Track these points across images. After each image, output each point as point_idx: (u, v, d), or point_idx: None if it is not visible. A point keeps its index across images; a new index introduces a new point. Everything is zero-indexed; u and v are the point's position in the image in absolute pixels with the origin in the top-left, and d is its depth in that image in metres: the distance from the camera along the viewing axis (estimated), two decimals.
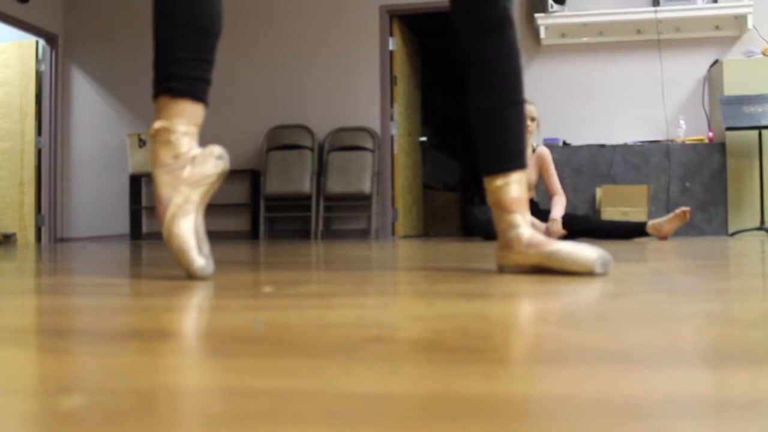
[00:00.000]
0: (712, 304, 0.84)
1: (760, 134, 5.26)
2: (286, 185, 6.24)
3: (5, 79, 7.05)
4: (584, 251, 1.30)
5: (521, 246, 1.39)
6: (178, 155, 1.33)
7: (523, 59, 6.22)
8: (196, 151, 1.35)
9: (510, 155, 1.45)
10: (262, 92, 6.72)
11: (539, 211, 4.44)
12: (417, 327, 0.68)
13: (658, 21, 5.88)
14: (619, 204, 5.28)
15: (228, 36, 6.75)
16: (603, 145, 5.68)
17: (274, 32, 6.73)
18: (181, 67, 1.36)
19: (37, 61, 7.03)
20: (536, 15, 5.98)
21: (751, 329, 0.64)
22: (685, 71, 6.04)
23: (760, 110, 5.11)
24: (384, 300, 0.93)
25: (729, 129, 5.14)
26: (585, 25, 6.02)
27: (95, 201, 7.10)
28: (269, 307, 0.86)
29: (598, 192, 5.54)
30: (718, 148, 5.49)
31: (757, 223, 5.36)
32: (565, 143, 5.94)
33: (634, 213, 5.23)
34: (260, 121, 6.69)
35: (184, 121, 1.35)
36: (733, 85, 5.50)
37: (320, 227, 6.25)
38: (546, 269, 1.36)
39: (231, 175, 6.67)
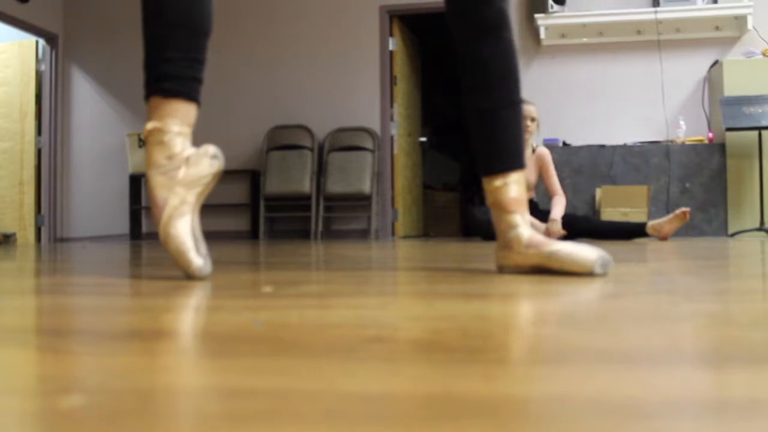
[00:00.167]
0: (711, 304, 0.84)
1: (760, 135, 5.26)
2: (285, 185, 6.24)
3: (5, 79, 7.05)
4: (584, 252, 1.30)
5: (521, 246, 1.39)
6: (172, 156, 1.33)
7: (524, 60, 6.23)
8: (190, 151, 1.34)
9: (508, 155, 1.45)
10: (262, 92, 6.72)
11: (539, 211, 4.44)
12: (417, 327, 0.68)
13: (658, 21, 5.88)
14: (618, 204, 5.29)
15: (228, 36, 6.76)
16: (603, 146, 5.68)
17: (273, 32, 6.73)
18: (172, 66, 1.35)
19: (37, 60, 7.04)
20: (536, 15, 5.98)
21: (750, 330, 0.64)
22: (685, 72, 6.04)
23: (760, 111, 5.11)
24: (384, 300, 0.93)
25: (729, 129, 5.14)
26: (585, 25, 6.02)
27: (95, 201, 7.10)
28: (269, 307, 0.86)
29: (598, 192, 5.54)
30: (718, 148, 5.49)
31: (757, 224, 5.36)
32: (565, 144, 5.95)
33: (634, 213, 5.23)
34: (260, 121, 6.69)
35: (177, 121, 1.35)
36: (733, 86, 5.50)
37: (320, 227, 6.25)
38: (546, 270, 1.35)
39: (231, 175, 6.67)
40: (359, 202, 6.36)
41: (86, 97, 7.16)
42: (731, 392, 0.40)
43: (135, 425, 0.35)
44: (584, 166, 5.67)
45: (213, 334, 0.65)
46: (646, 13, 5.85)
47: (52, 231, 7.04)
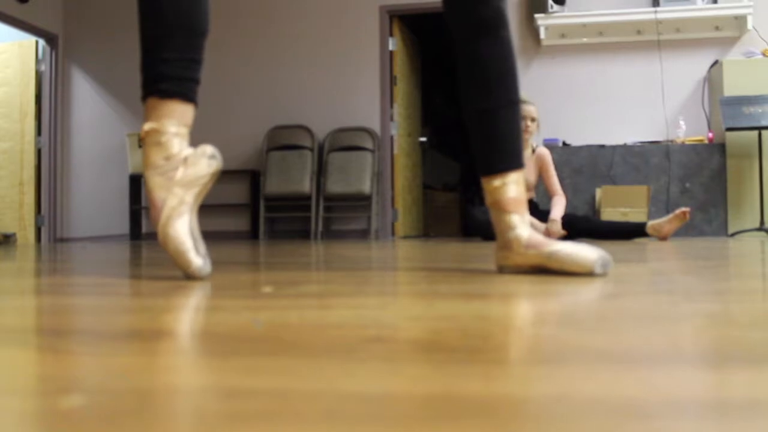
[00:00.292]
0: (711, 304, 0.84)
1: (759, 135, 5.26)
2: (285, 185, 6.24)
3: (5, 79, 7.05)
4: (584, 252, 1.30)
5: (520, 247, 1.39)
6: (170, 156, 1.33)
7: (523, 60, 6.23)
8: (188, 151, 1.34)
9: (507, 155, 1.45)
10: (262, 92, 6.72)
11: (539, 211, 4.44)
12: (417, 327, 0.68)
13: (658, 21, 5.88)
14: (618, 204, 5.29)
15: (228, 36, 6.76)
16: (603, 146, 5.68)
17: (273, 32, 6.73)
18: (169, 67, 1.35)
19: (37, 61, 7.04)
20: (536, 15, 5.98)
21: (750, 330, 0.64)
22: (685, 72, 6.04)
23: (759, 111, 5.12)
24: (384, 300, 0.93)
25: (729, 129, 5.14)
26: (585, 25, 6.02)
27: (95, 201, 7.10)
28: (269, 307, 0.86)
29: (598, 192, 5.54)
30: (718, 148, 5.49)
31: (757, 224, 5.36)
32: (564, 144, 5.95)
33: (634, 213, 5.23)
34: (260, 121, 6.69)
35: (174, 122, 1.35)
36: (732, 86, 5.50)
37: (320, 227, 6.25)
38: (546, 270, 1.35)
39: (231, 176, 6.67)
40: (359, 202, 6.36)
41: (86, 98, 7.16)
42: (731, 392, 0.40)
43: (135, 425, 0.35)
44: (584, 166, 5.67)
45: (213, 334, 0.65)
46: (646, 13, 5.85)
47: (52, 231, 7.04)
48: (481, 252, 2.58)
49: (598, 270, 1.28)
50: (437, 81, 9.50)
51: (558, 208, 4.29)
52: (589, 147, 5.70)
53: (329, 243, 4.48)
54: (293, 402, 0.39)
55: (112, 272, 1.63)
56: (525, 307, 0.85)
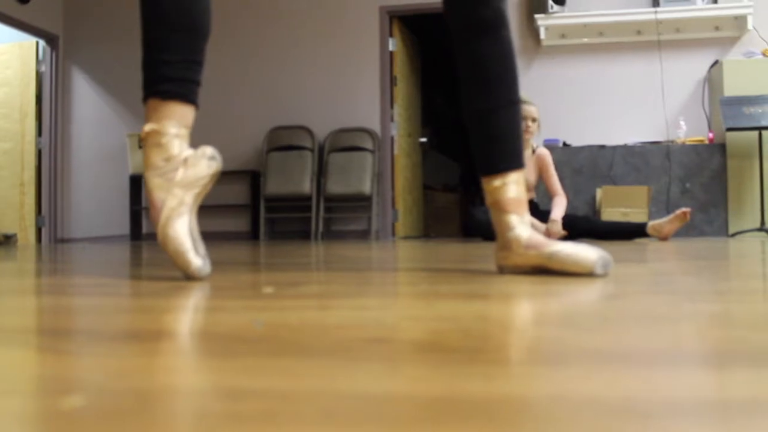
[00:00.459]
0: (712, 305, 0.84)
1: (760, 135, 5.26)
2: (286, 186, 6.25)
3: (6, 80, 7.05)
4: (585, 252, 1.30)
5: (520, 247, 1.39)
6: (170, 158, 1.33)
7: (524, 60, 6.23)
8: (188, 152, 1.34)
9: (507, 155, 1.45)
10: (262, 93, 6.72)
11: (539, 212, 4.44)
12: (417, 328, 0.68)
13: (658, 22, 5.88)
14: (619, 205, 5.29)
15: (228, 37, 6.76)
16: (603, 146, 5.68)
17: (274, 33, 6.73)
18: (170, 68, 1.35)
19: (38, 62, 7.04)
20: (536, 16, 5.98)
21: (751, 330, 0.64)
22: (685, 72, 6.04)
23: (760, 111, 5.11)
24: (384, 301, 0.93)
25: (729, 130, 5.14)
26: (585, 25, 6.02)
27: (95, 201, 7.11)
28: (269, 308, 0.86)
29: (599, 193, 5.54)
30: (719, 148, 5.49)
31: (758, 224, 5.36)
32: (565, 144, 5.95)
33: (635, 214, 5.23)
34: (260, 121, 6.69)
35: (175, 123, 1.35)
36: (733, 86, 5.50)
37: (320, 228, 6.25)
38: (546, 270, 1.35)
39: (231, 176, 6.67)
40: (359, 202, 6.36)
41: (86, 98, 7.16)
42: (732, 392, 0.40)
43: (135, 426, 0.35)
44: (584, 166, 5.67)
45: (213, 335, 0.65)
46: (646, 14, 5.85)
47: (52, 232, 7.04)
48: (482, 252, 2.58)
49: (598, 270, 1.28)
50: (437, 81, 9.50)
51: (558, 209, 4.29)
52: (589, 147, 5.70)
53: (329, 243, 4.48)
54: (293, 402, 0.39)
55: (113, 273, 1.63)
56: (525, 307, 0.85)
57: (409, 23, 7.27)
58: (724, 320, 0.70)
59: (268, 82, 6.72)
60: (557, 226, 4.17)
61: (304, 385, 0.43)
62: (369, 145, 6.32)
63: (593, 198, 5.63)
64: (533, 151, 4.47)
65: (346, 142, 6.37)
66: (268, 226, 6.50)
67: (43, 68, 7.09)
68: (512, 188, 1.43)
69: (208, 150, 1.34)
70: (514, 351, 0.55)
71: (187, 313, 0.84)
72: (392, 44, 6.57)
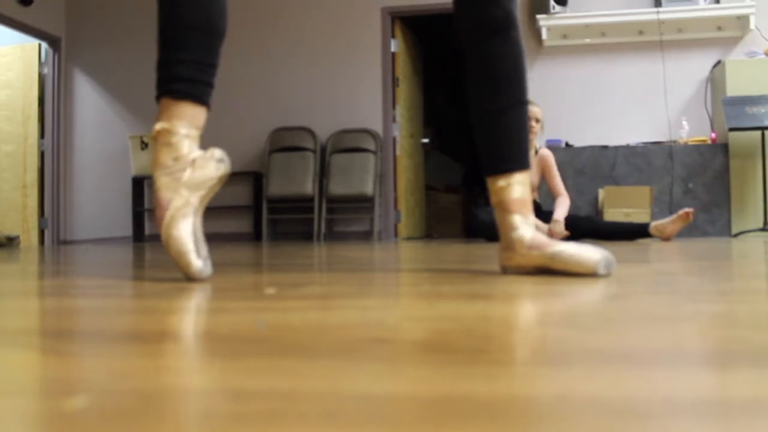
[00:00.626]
0: (715, 305, 0.84)
1: (763, 135, 5.25)
2: (288, 187, 6.25)
3: (8, 82, 7.06)
4: (587, 252, 1.30)
5: (523, 247, 1.39)
6: (179, 157, 1.33)
7: (525, 60, 6.22)
8: (197, 153, 1.34)
9: (513, 156, 1.45)
10: (265, 94, 6.73)
11: (542, 212, 4.44)
12: (420, 328, 0.68)
13: (661, 22, 5.87)
14: (621, 205, 5.28)
15: (230, 38, 6.76)
16: (605, 147, 5.67)
17: (275, 34, 6.73)
18: (184, 68, 1.36)
19: (40, 64, 7.05)
20: (538, 16, 5.98)
21: (754, 330, 0.64)
22: (688, 72, 6.03)
23: (762, 111, 5.11)
24: (387, 301, 0.93)
25: (732, 130, 5.13)
26: (587, 26, 6.02)
27: (98, 203, 7.11)
28: (272, 309, 0.86)
29: (601, 193, 5.53)
30: (721, 149, 5.48)
31: (761, 224, 5.35)
32: (567, 144, 5.94)
33: (637, 214, 5.22)
34: (262, 123, 6.69)
35: (185, 123, 1.35)
36: (735, 86, 5.49)
37: (323, 229, 6.25)
38: (549, 270, 1.35)
39: (233, 177, 6.68)
40: (362, 203, 6.36)
41: (89, 100, 7.17)
42: (734, 392, 0.40)
43: (139, 426, 0.35)
44: (587, 166, 5.67)
45: (216, 336, 0.65)
46: (648, 14, 5.84)
47: (55, 233, 7.05)
48: (484, 253, 2.57)
49: (601, 270, 1.28)
50: (439, 82, 9.49)
51: (561, 209, 4.29)
52: (591, 148, 5.69)
53: (332, 244, 4.48)
54: (296, 403, 0.39)
55: (116, 274, 1.63)
56: (528, 307, 0.85)
57: (410, 24, 7.27)
58: (726, 320, 0.70)
59: (270, 84, 6.73)
60: (560, 227, 4.17)
61: (307, 386, 0.44)
62: (371, 146, 6.32)
63: (596, 198, 5.63)
64: (536, 152, 4.47)
65: (348, 143, 6.37)
66: (271, 227, 6.50)
67: (45, 70, 7.10)
68: (517, 189, 1.43)
69: (217, 152, 1.34)
70: (516, 351, 0.55)
71: (189, 314, 0.84)
72: (394, 45, 6.57)
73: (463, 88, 9.95)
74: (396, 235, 6.47)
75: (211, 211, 6.72)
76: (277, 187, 6.27)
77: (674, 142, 5.79)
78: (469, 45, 1.49)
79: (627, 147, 5.64)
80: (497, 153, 1.46)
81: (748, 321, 0.69)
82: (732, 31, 5.94)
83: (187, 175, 1.32)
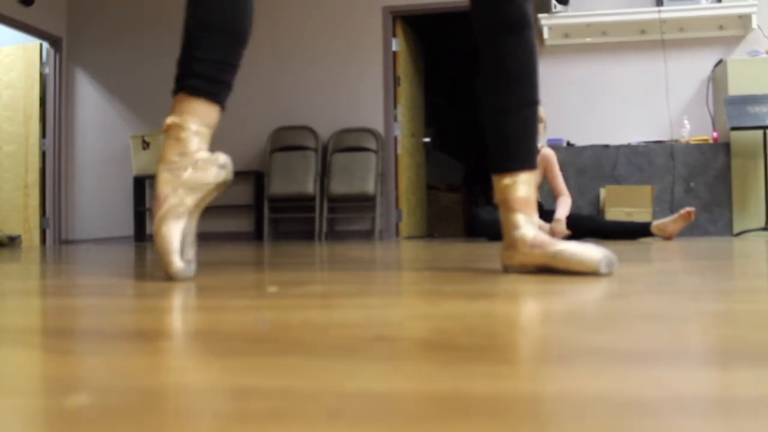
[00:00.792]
0: (716, 304, 0.84)
1: (764, 134, 5.24)
2: (289, 186, 6.25)
3: (9, 82, 7.07)
4: (589, 251, 1.30)
5: (526, 246, 1.38)
6: (185, 153, 1.33)
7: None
8: (203, 154, 1.34)
9: (520, 155, 1.45)
10: (266, 94, 6.73)
11: (544, 211, 4.44)
12: (422, 326, 0.68)
13: (662, 21, 5.87)
14: (623, 204, 5.28)
15: None
16: (607, 146, 5.67)
17: (277, 34, 6.73)
18: (203, 66, 1.36)
19: (41, 64, 7.06)
20: (539, 15, 5.97)
21: (756, 329, 0.63)
22: (689, 71, 6.03)
23: (764, 110, 5.10)
24: (388, 300, 0.93)
25: (733, 129, 5.13)
26: (588, 25, 6.01)
27: (99, 203, 7.12)
28: (274, 307, 0.86)
29: (602, 192, 5.53)
30: (723, 148, 5.48)
31: (762, 224, 5.34)
32: (569, 144, 5.94)
33: (639, 213, 5.22)
34: (264, 122, 6.69)
35: (197, 120, 1.35)
36: (737, 85, 5.49)
37: (324, 228, 6.25)
38: (551, 269, 1.35)
39: (235, 177, 6.67)
40: (363, 202, 6.36)
41: (90, 100, 7.18)
42: (737, 391, 0.40)
43: (140, 424, 0.35)
44: (588, 166, 5.67)
45: (218, 334, 0.65)
46: (650, 13, 5.84)
47: (56, 233, 7.05)
48: (486, 252, 2.57)
49: (603, 269, 1.28)
50: (440, 81, 9.50)
51: (563, 208, 4.29)
52: (593, 147, 5.69)
53: (333, 244, 4.49)
54: (298, 401, 0.39)
55: (117, 273, 1.63)
56: (530, 306, 0.85)
57: (412, 23, 7.26)
58: (728, 319, 0.70)
59: (271, 83, 6.73)
60: (561, 226, 4.17)
61: (308, 384, 0.43)
62: (372, 145, 6.32)
63: (597, 197, 5.62)
64: (538, 151, 4.47)
65: (349, 142, 6.37)
66: (272, 227, 6.50)
67: (46, 70, 7.10)
68: (522, 188, 1.43)
69: (221, 158, 1.34)
70: (519, 350, 0.55)
71: (191, 312, 0.84)
72: (395, 44, 6.57)
73: (464, 88, 9.92)
74: (397, 234, 6.47)
75: (212, 211, 6.73)
76: (278, 186, 6.27)
77: (676, 141, 5.78)
78: (483, 42, 1.50)
79: (628, 146, 5.64)
80: (505, 151, 1.46)
81: (750, 320, 0.69)
82: (734, 30, 5.93)
83: (187, 174, 1.32)
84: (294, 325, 0.70)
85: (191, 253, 1.32)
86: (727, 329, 0.63)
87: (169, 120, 1.35)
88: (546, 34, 6.00)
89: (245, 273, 1.56)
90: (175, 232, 1.29)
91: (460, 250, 2.91)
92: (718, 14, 5.71)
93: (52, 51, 7.12)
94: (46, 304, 0.97)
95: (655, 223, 4.25)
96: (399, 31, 6.62)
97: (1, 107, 7.09)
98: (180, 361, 0.52)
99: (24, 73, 7.03)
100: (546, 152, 4.48)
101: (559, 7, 5.92)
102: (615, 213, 5.26)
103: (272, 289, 1.14)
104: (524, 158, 1.45)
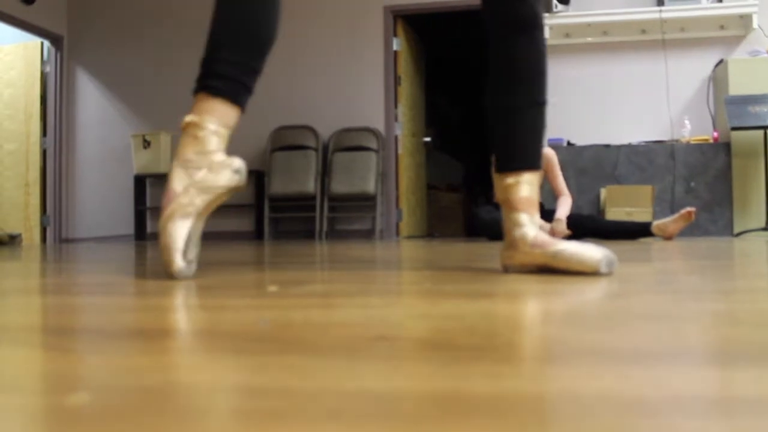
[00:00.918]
0: (717, 303, 0.84)
1: (765, 134, 5.24)
2: (290, 186, 6.25)
3: (10, 81, 7.07)
4: (589, 251, 1.30)
5: (526, 245, 1.39)
6: (203, 152, 1.33)
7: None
8: (220, 156, 1.34)
9: (525, 155, 1.45)
10: (267, 93, 6.73)
11: (544, 211, 4.44)
12: (422, 326, 0.68)
13: (663, 21, 5.87)
14: (623, 204, 5.27)
15: None
16: (607, 146, 5.67)
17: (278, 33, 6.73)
18: (225, 67, 1.36)
19: (42, 62, 7.06)
20: None
21: (757, 329, 0.63)
22: (690, 71, 6.03)
23: (765, 110, 5.10)
24: (389, 299, 0.93)
25: (734, 129, 5.12)
26: (589, 25, 6.01)
27: (100, 202, 7.12)
28: (274, 306, 0.86)
29: (603, 192, 5.52)
30: (723, 148, 5.48)
31: (763, 224, 5.34)
32: (569, 143, 5.94)
33: (639, 213, 5.21)
34: (264, 121, 6.69)
35: (215, 120, 1.35)
36: (738, 85, 5.48)
37: (324, 227, 6.25)
38: (551, 269, 1.35)
39: None
40: (364, 202, 6.36)
41: (91, 99, 7.18)
42: (738, 390, 0.40)
43: (141, 423, 0.35)
44: (589, 165, 5.66)
45: (218, 333, 0.65)
46: (651, 13, 5.83)
47: (57, 232, 7.06)
48: (486, 252, 2.57)
49: (603, 269, 1.28)
50: (441, 81, 9.49)
51: (563, 208, 4.29)
52: (593, 147, 5.69)
53: (334, 243, 4.49)
54: (299, 400, 0.39)
55: (118, 272, 1.63)
56: (530, 306, 0.85)
57: (413, 23, 7.26)
58: (728, 319, 0.70)
59: (272, 82, 6.73)
60: (562, 226, 4.17)
61: (309, 383, 0.44)
62: (373, 144, 6.32)
63: (597, 197, 5.62)
64: None
65: (350, 141, 6.37)
66: (273, 226, 6.50)
67: (47, 69, 7.10)
68: (525, 188, 1.43)
69: (236, 162, 1.34)
70: (520, 349, 0.55)
71: (192, 311, 0.84)
72: (396, 44, 6.57)
73: (465, 88, 9.91)
74: (397, 233, 6.47)
75: (214, 210, 6.72)
76: (279, 185, 6.27)
77: (676, 141, 5.78)
78: (495, 41, 1.50)
79: (629, 146, 5.63)
80: (511, 150, 1.46)
81: (750, 320, 0.69)
82: (735, 30, 5.93)
83: (201, 174, 1.32)
84: (294, 324, 0.71)
85: (193, 253, 1.32)
86: (728, 329, 0.63)
87: (188, 118, 1.35)
88: (547, 33, 6.00)
89: (246, 272, 1.56)
90: (181, 231, 1.29)
91: (460, 249, 2.91)
92: (718, 14, 5.71)
93: (53, 49, 7.12)
94: (46, 302, 0.97)
95: (656, 223, 4.25)
96: (400, 30, 6.62)
97: (2, 106, 7.09)
98: (180, 360, 0.52)
99: (25, 72, 7.03)
100: (547, 152, 4.48)
101: (560, 6, 5.92)
102: (615, 213, 5.26)
103: (273, 288, 1.14)
104: (530, 158, 1.45)
